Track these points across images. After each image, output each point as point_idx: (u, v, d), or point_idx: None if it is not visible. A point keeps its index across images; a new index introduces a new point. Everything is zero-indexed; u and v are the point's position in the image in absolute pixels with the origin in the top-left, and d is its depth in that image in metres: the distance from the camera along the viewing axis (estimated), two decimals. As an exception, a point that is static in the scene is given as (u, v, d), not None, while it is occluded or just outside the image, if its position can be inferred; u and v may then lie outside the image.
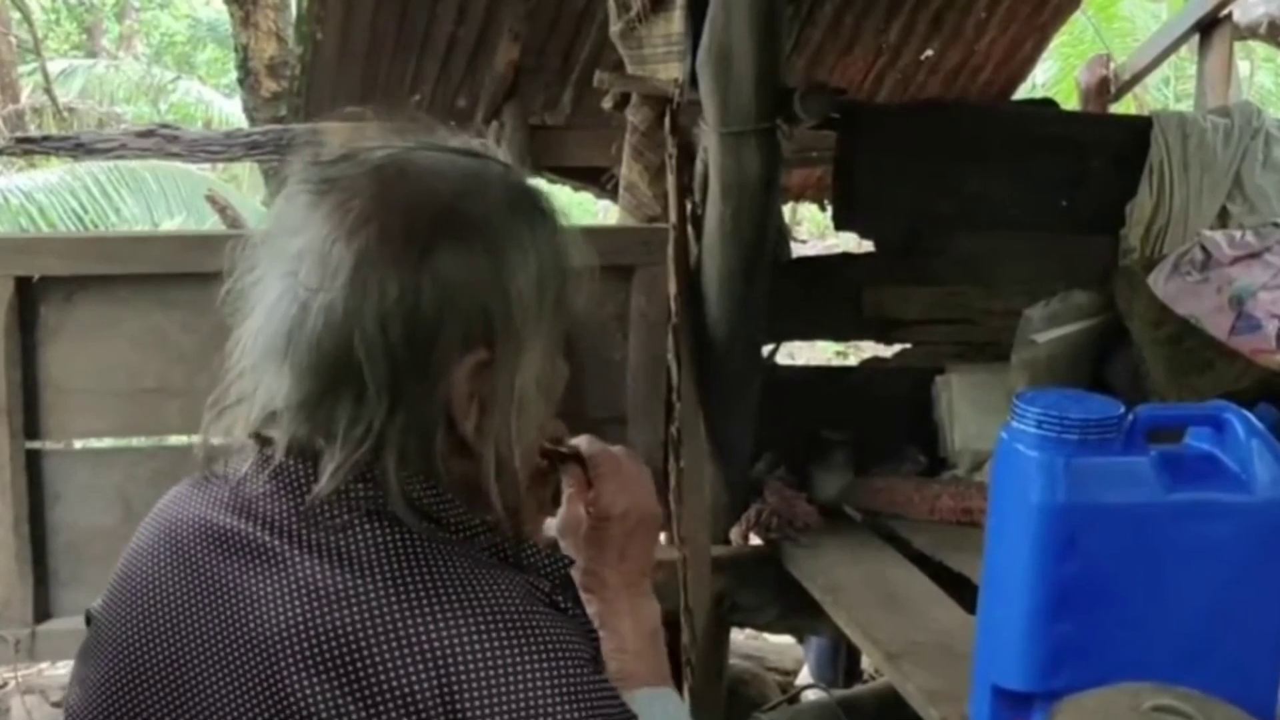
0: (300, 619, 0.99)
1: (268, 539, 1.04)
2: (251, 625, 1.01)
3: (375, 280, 1.01)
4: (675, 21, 3.14)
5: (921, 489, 3.15)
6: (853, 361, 4.22)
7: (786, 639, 4.48)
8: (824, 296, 3.43)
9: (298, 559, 1.02)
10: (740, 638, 4.28)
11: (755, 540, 3.17)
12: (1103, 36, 11.77)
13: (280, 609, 1.00)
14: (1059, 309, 3.35)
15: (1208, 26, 4.78)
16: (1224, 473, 1.68)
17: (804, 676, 4.25)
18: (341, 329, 1.01)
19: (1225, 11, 4.74)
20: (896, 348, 3.54)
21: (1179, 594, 1.69)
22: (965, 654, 1.86)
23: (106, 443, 3.09)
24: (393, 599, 0.99)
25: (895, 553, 2.96)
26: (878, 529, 3.12)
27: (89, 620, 1.17)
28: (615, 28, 3.42)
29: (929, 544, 2.94)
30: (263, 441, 1.09)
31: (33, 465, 2.83)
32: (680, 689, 2.89)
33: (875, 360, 3.60)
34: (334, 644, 0.97)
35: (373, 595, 0.99)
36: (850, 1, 4.89)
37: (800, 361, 4.52)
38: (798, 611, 3.01)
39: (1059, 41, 9.29)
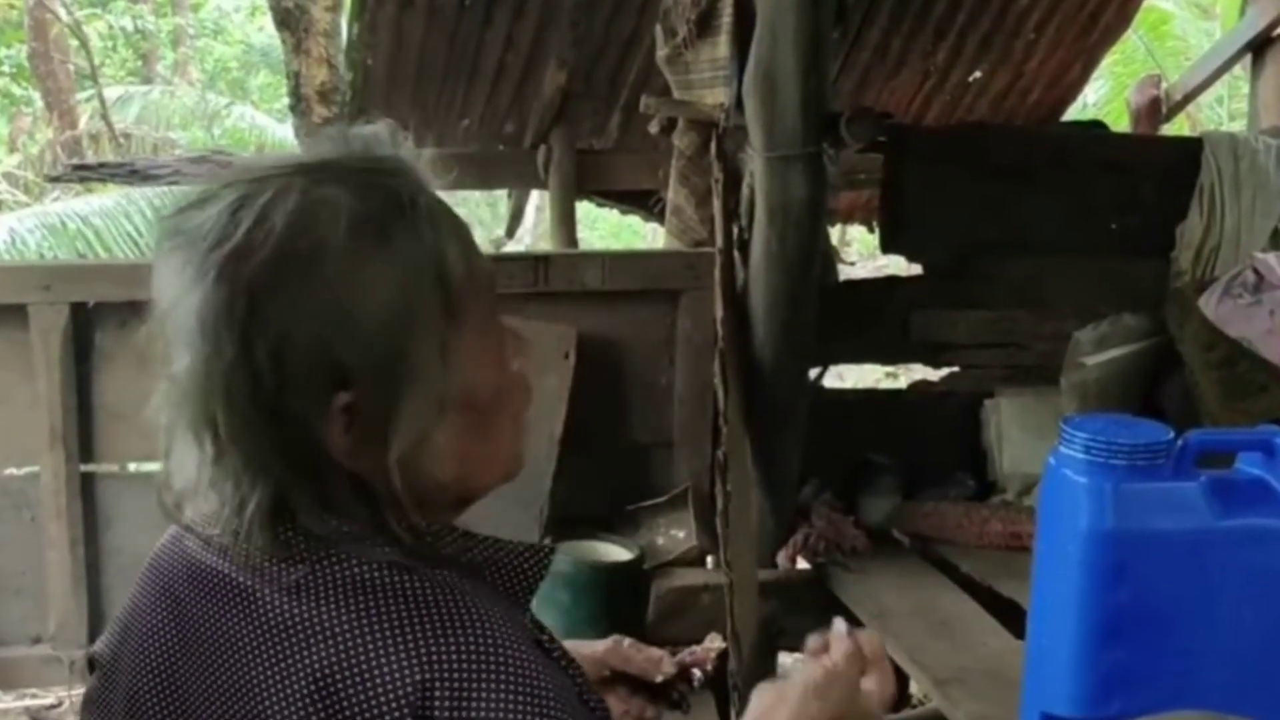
0: (276, 658, 0.97)
1: (241, 578, 1.02)
2: (233, 668, 0.99)
3: (212, 342, 0.97)
4: (721, 46, 3.15)
5: (970, 514, 3.13)
6: (902, 382, 4.20)
7: (835, 664, 4.44)
8: (872, 320, 3.42)
9: (269, 596, 1.00)
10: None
11: (802, 564, 3.16)
12: (1154, 56, 11.65)
13: (257, 649, 0.98)
14: (1109, 332, 3.33)
15: (1260, 46, 4.73)
16: (1275, 498, 1.66)
17: (853, 701, 4.21)
18: (200, 398, 0.99)
19: (1278, 31, 4.69)
20: (945, 371, 3.53)
21: (1231, 621, 1.67)
22: (1014, 680, 1.83)
23: (160, 466, 3.13)
24: (364, 631, 0.96)
25: (943, 578, 2.95)
26: (926, 554, 3.10)
27: (92, 666, 1.15)
28: (662, 53, 3.43)
29: (977, 569, 2.92)
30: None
31: (87, 489, 2.88)
32: (728, 714, 2.89)
33: (923, 384, 3.58)
34: (310, 681, 0.95)
35: (344, 628, 0.96)
36: (897, 24, 4.88)
37: (849, 383, 4.51)
38: (845, 636, 3.00)
39: (1110, 61, 9.21)
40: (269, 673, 0.97)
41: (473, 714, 0.93)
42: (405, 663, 0.94)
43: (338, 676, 0.94)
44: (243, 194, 1.00)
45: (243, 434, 0.98)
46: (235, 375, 0.97)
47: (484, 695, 0.94)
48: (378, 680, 0.93)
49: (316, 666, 0.95)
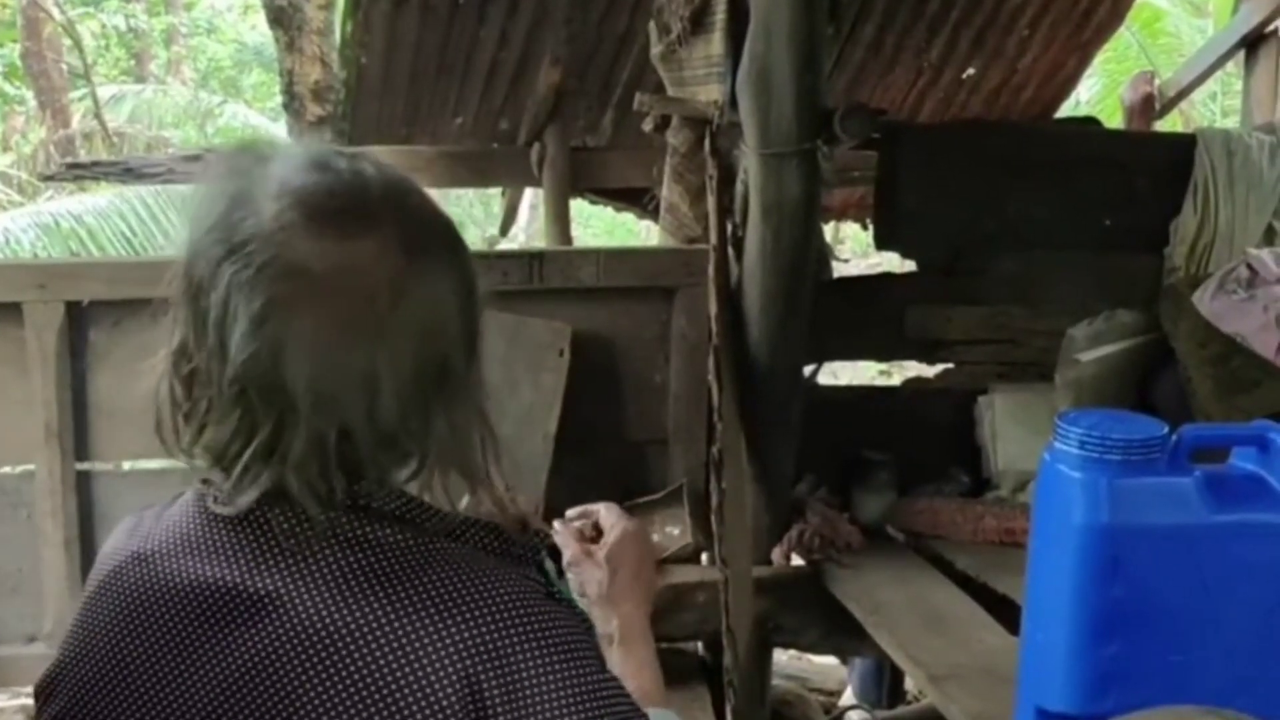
0: (310, 663, 0.94)
1: (256, 582, 0.98)
2: (261, 680, 0.95)
3: (448, 293, 1.02)
4: (715, 43, 3.15)
5: (965, 510, 3.13)
6: (896, 381, 4.21)
7: (830, 660, 4.45)
8: (866, 316, 3.42)
9: (294, 598, 0.96)
10: (784, 658, 4.26)
11: (797, 561, 3.16)
12: (1147, 53, 11.68)
13: (288, 657, 0.95)
14: (1103, 328, 3.33)
15: (1253, 42, 4.74)
16: (1269, 493, 1.67)
17: (848, 698, 4.22)
18: (425, 344, 0.99)
19: (1271, 27, 4.70)
20: (939, 368, 3.53)
21: (1225, 615, 1.68)
22: (1009, 676, 1.85)
23: (155, 464, 3.13)
24: (401, 619, 0.95)
25: (938, 574, 2.95)
26: (921, 550, 3.11)
27: (38, 695, 1.09)
28: (656, 50, 3.43)
29: (972, 565, 2.92)
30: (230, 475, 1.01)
31: (82, 486, 2.88)
32: (723, 711, 2.89)
33: (918, 380, 3.59)
34: (351, 678, 0.93)
35: (379, 619, 0.95)
36: (891, 21, 4.88)
37: (843, 381, 4.51)
38: (841, 632, 3.00)
39: (1103, 58, 9.23)
40: (302, 678, 0.94)
41: (521, 684, 0.95)
42: (446, 642, 0.95)
43: (379, 669, 0.94)
44: (377, 175, 1.04)
45: (463, 375, 1.03)
46: (462, 321, 1.03)
47: (530, 665, 0.96)
48: (419, 664, 0.94)
49: (355, 663, 0.94)
